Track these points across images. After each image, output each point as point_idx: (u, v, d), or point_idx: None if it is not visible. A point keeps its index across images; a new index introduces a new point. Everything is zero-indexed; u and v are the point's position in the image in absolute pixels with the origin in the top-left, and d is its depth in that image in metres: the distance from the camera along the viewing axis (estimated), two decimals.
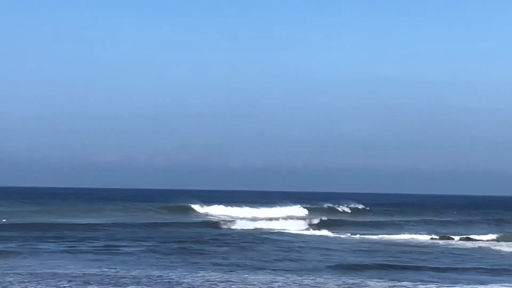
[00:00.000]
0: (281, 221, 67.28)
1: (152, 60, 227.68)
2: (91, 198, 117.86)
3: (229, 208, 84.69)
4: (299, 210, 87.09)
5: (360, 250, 40.71)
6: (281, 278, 27.69)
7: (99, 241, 41.86)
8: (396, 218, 78.52)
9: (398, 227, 64.58)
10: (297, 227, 61.84)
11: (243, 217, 72.67)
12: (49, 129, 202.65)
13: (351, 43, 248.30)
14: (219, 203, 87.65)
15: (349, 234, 53.44)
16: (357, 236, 52.47)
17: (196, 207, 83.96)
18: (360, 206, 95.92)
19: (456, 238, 52.50)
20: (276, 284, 26.21)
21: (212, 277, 27.36)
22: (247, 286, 25.67)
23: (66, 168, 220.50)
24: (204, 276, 27.67)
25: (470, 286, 26.79)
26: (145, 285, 25.12)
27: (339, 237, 51.50)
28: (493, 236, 53.64)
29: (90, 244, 40.17)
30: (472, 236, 53.13)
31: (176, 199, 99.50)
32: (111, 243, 40.85)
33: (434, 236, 53.20)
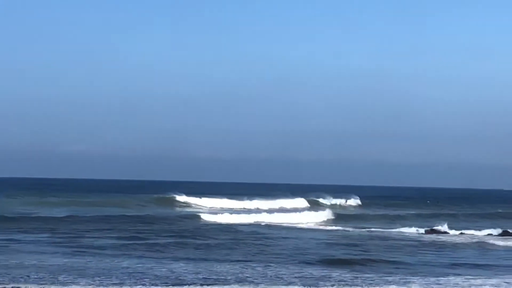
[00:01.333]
0: (294, 214, 65.25)
1: (119, 50, 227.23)
2: (64, 189, 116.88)
3: (232, 201, 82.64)
4: (302, 203, 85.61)
5: (354, 244, 40.71)
6: (250, 269, 27.91)
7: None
8: (402, 212, 77.42)
9: (407, 220, 64.48)
10: (314, 220, 61.48)
11: (248, 209, 72.56)
12: (15, 118, 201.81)
13: (320, 36, 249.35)
14: (204, 195, 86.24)
15: (363, 229, 53.31)
16: (365, 230, 52.70)
17: (185, 198, 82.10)
18: (358, 200, 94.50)
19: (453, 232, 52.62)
20: (245, 274, 26.44)
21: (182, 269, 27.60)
22: (212, 275, 25.88)
23: (32, 158, 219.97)
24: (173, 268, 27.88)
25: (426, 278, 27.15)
26: (112, 276, 25.22)
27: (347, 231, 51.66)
28: (492, 232, 53.07)
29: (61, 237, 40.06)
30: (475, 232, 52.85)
31: (156, 190, 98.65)
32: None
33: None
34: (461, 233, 51.95)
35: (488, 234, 51.65)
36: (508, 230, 53.28)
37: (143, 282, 24.04)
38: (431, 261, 33.74)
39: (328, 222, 61.77)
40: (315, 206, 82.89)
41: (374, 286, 24.62)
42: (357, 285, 24.80)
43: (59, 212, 58.85)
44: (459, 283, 26.26)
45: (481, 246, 42.38)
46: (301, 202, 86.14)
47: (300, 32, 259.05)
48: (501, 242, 44.98)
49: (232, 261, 30.90)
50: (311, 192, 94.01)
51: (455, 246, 41.70)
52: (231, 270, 27.56)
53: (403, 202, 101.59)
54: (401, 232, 52.16)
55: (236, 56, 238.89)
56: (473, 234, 51.50)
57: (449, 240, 45.47)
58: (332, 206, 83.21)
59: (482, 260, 34.76)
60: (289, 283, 24.85)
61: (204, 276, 25.89)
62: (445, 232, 52.39)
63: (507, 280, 27.13)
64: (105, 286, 23.29)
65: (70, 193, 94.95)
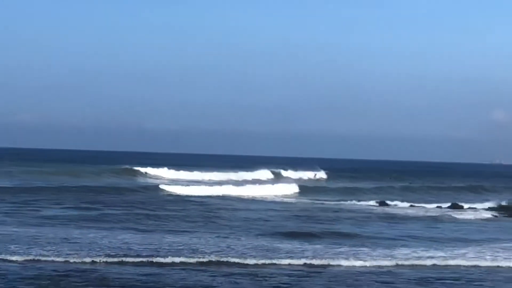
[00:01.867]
0: (260, 186, 64.70)
1: (70, 23, 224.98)
2: (16, 158, 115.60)
3: (194, 172, 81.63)
4: (267, 174, 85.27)
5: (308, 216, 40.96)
6: (203, 240, 28.12)
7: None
8: (367, 185, 77.26)
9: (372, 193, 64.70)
10: (279, 193, 61.07)
11: (211, 181, 72.31)
12: None
13: (267, 10, 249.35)
14: (163, 166, 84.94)
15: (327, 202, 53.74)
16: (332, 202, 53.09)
17: (145, 169, 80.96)
18: (323, 173, 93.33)
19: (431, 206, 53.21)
20: (197, 245, 26.64)
21: (132, 239, 27.72)
22: (163, 246, 26.05)
23: None
24: (124, 238, 27.98)
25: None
26: (64, 246, 25.26)
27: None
28: (442, 204, 53.48)
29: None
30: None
31: (112, 161, 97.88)
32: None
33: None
34: (412, 206, 52.63)
35: (438, 207, 52.41)
36: (458, 203, 54.14)
37: (95, 253, 24.11)
38: (381, 232, 34.26)
39: (293, 195, 61.78)
40: (279, 178, 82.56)
41: (322, 258, 24.95)
42: (306, 257, 25.12)
43: (9, 182, 58.38)
44: (408, 254, 26.72)
45: (431, 218, 43.04)
46: (265, 174, 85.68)
47: (249, 6, 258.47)
48: (450, 215, 45.73)
49: (186, 232, 31.13)
50: (269, 164, 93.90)
51: (404, 219, 42.29)
52: (184, 241, 27.76)
53: (367, 175, 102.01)
54: (355, 204, 52.75)
55: (192, 30, 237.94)
56: (423, 207, 52.19)
57: (399, 213, 46.07)
58: (298, 180, 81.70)
59: (431, 233, 35.34)
60: (241, 254, 25.10)
61: (156, 247, 26.04)
62: (396, 205, 53.03)
63: (455, 252, 27.65)
64: (57, 256, 23.32)
65: (21, 162, 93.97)
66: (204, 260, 23.60)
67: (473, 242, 31.25)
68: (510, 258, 26.76)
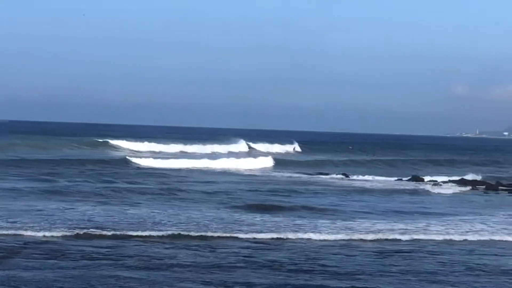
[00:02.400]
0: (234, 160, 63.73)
1: None
2: None
3: (169, 145, 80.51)
4: (243, 147, 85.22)
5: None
6: (165, 213, 28.22)
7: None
8: (339, 158, 77.26)
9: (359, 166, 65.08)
10: (254, 166, 60.87)
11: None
12: None
13: None
14: (134, 139, 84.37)
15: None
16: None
17: (116, 142, 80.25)
18: (297, 146, 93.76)
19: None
20: (159, 218, 26.76)
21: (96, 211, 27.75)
22: (126, 219, 26.09)
23: None
24: (86, 210, 28.00)
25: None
26: (26, 218, 25.21)
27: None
28: (402, 177, 54.16)
29: None
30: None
31: (73, 133, 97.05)
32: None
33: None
34: (373, 178, 53.05)
35: (398, 179, 52.85)
36: (418, 175, 54.63)
37: (56, 225, 24.07)
38: (343, 205, 34.55)
39: (268, 168, 61.64)
40: (253, 151, 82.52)
41: (282, 231, 25.10)
42: (267, 229, 25.30)
43: None
44: (368, 227, 26.99)
45: (390, 191, 43.42)
46: (241, 147, 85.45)
47: None
48: (409, 187, 46.17)
49: (149, 204, 31.14)
50: (235, 137, 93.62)
51: (364, 191, 42.63)
52: (145, 214, 27.81)
53: (336, 148, 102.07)
54: (324, 177, 52.96)
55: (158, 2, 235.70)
56: (385, 180, 52.61)
57: (364, 186, 46.42)
58: (274, 153, 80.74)
59: (389, 205, 35.70)
60: (201, 226, 25.19)
61: (116, 219, 26.06)
62: (364, 179, 53.36)
63: (415, 225, 27.96)
64: (17, 228, 23.24)
65: None
66: (164, 233, 23.61)
67: (434, 215, 31.62)
68: (466, 231, 27.14)
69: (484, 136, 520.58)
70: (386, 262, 20.62)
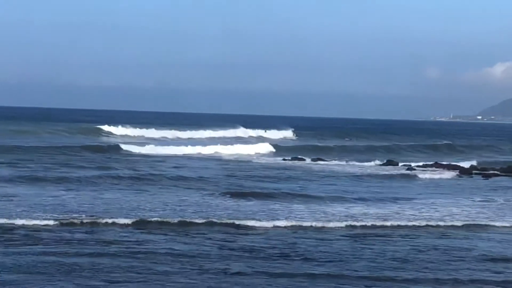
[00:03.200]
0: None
1: None
2: None
3: (172, 131, 79.92)
4: (243, 133, 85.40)
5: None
6: (143, 198, 28.50)
7: None
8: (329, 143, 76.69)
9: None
10: (253, 152, 60.75)
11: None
12: None
13: None
14: (133, 125, 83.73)
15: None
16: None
17: (108, 128, 79.14)
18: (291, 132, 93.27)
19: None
20: (138, 203, 27.06)
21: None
22: (101, 206, 26.27)
23: None
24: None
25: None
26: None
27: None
28: (377, 162, 54.75)
29: None
30: None
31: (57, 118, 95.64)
32: None
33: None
34: (347, 163, 53.39)
35: (374, 164, 53.32)
36: (393, 160, 55.07)
37: (34, 213, 24.17)
38: (312, 188, 35.08)
39: (268, 154, 61.51)
40: (253, 138, 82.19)
41: (257, 217, 25.38)
42: (246, 215, 25.61)
43: None
44: (341, 211, 27.32)
45: (364, 175, 43.87)
46: (242, 133, 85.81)
47: None
48: (381, 172, 46.62)
49: (130, 190, 31.36)
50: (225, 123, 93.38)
51: (339, 176, 43.02)
52: (124, 199, 27.98)
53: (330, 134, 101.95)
54: (294, 162, 53.26)
55: None
56: (361, 164, 53.05)
57: (336, 170, 46.82)
58: (273, 139, 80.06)
59: (362, 189, 36.13)
60: (178, 211, 25.39)
61: (90, 205, 26.17)
62: (334, 163, 53.66)
63: (388, 209, 28.32)
64: None
65: None
66: (136, 219, 23.71)
67: (406, 200, 31.95)
68: (439, 216, 27.51)
69: (458, 120, 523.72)
70: (359, 246, 20.92)
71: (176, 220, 23.82)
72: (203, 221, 23.92)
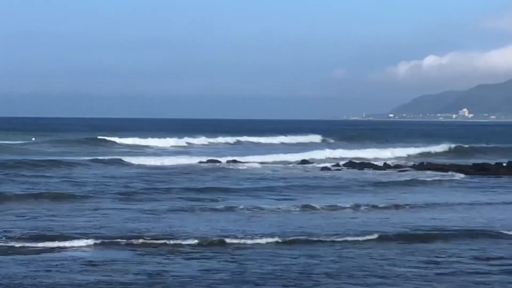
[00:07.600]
0: None
1: None
2: None
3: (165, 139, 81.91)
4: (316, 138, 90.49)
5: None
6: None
7: None
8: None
9: None
10: None
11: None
12: None
13: None
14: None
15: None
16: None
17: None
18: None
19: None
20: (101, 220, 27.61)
21: None
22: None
23: None
24: None
25: None
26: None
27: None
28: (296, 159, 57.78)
29: None
30: None
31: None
32: None
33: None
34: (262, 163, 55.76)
35: (288, 163, 56.42)
36: (306, 159, 58.10)
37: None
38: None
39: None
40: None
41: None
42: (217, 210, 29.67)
43: None
44: (271, 206, 30.59)
45: (285, 173, 47.34)
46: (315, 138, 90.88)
47: None
48: (296, 171, 49.98)
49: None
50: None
51: (256, 174, 46.86)
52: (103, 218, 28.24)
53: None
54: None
55: None
56: (286, 161, 56.86)
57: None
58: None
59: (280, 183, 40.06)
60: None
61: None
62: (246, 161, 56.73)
63: (309, 203, 31.67)
64: None
65: None
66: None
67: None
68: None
69: (371, 118, 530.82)
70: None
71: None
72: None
